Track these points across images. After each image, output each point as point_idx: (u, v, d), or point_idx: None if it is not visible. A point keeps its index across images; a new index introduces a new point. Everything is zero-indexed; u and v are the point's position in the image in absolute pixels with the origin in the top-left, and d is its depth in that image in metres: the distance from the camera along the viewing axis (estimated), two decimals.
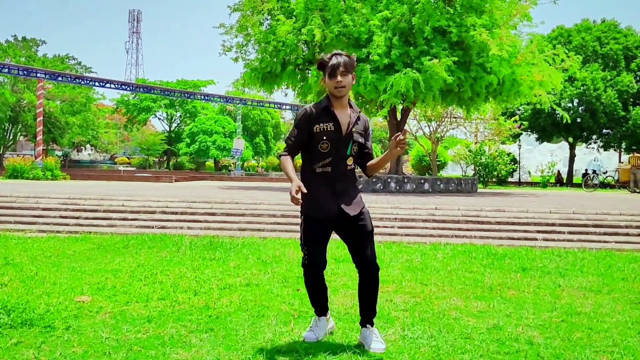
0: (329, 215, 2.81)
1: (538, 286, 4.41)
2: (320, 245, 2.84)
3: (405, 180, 14.39)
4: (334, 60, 2.76)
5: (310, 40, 13.35)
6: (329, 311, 3.00)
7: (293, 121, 3.05)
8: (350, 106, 2.88)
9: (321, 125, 2.79)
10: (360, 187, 3.01)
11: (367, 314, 2.88)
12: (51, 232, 7.20)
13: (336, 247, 6.15)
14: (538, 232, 7.48)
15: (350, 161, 2.86)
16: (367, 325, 2.87)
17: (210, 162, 49.86)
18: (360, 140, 2.86)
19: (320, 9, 13.49)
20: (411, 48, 13.08)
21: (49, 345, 2.72)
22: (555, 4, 14.88)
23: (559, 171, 33.04)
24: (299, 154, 2.92)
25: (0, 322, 3.03)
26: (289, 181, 2.76)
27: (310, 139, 2.82)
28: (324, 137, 2.78)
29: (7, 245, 5.98)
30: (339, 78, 2.75)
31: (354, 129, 2.83)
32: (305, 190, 2.69)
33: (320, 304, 2.93)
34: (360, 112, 2.92)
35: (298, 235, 6.87)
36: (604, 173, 26.06)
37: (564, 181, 32.69)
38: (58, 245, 6.03)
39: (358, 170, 3.02)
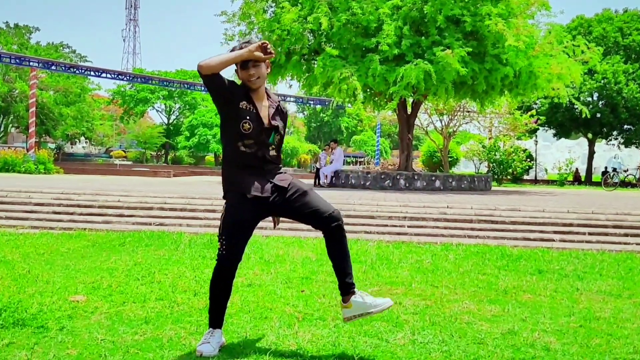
0: (264, 191, 2.68)
1: (555, 290, 4.27)
2: (241, 234, 2.67)
3: (416, 177, 14.15)
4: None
5: (316, 29, 13.05)
6: (223, 324, 2.79)
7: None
8: (269, 96, 2.81)
9: (245, 103, 2.69)
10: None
11: (344, 276, 2.74)
12: (44, 228, 7.06)
13: None
14: (555, 232, 7.28)
15: (272, 148, 2.77)
16: (353, 291, 2.73)
17: (210, 157, 49.15)
18: (282, 132, 2.81)
19: None
20: (423, 38, 12.73)
21: (42, 347, 2.65)
22: None
23: (577, 169, 32.40)
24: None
25: None
26: (232, 59, 2.62)
27: (234, 113, 2.68)
28: (247, 117, 2.68)
29: None
30: (252, 71, 2.67)
31: (274, 123, 2.76)
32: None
33: (221, 312, 2.75)
34: (279, 102, 2.85)
35: (302, 234, 6.76)
36: (624, 171, 25.49)
37: (583, 179, 32.04)
38: (51, 242, 5.92)
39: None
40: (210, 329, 2.74)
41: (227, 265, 2.69)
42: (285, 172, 2.86)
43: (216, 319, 2.75)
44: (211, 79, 2.60)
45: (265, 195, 2.69)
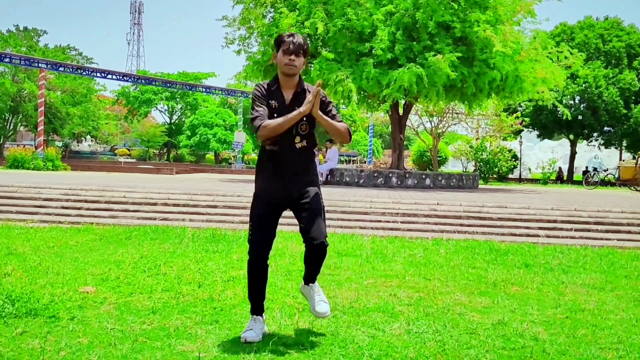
0: (275, 196, 2.82)
1: (541, 282, 4.41)
2: (268, 222, 2.83)
3: (407, 176, 14.38)
4: (294, 39, 2.76)
5: (313, 34, 13.27)
6: (264, 311, 2.91)
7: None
8: (300, 85, 2.84)
9: (271, 102, 2.79)
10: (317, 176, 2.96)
11: (311, 277, 2.95)
12: (53, 222, 7.18)
13: (338, 241, 6.16)
14: (540, 228, 7.48)
15: (298, 140, 2.79)
16: (310, 284, 2.94)
17: (210, 155, 49.74)
18: (304, 119, 2.78)
19: (323, 2, 13.42)
20: (415, 43, 13.03)
21: (54, 335, 2.71)
22: (559, 1, 14.82)
23: (559, 168, 33.01)
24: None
25: (5, 311, 3.03)
26: (291, 121, 2.71)
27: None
28: (274, 115, 2.75)
29: (9, 235, 5.97)
30: (293, 57, 2.75)
31: (296, 107, 2.76)
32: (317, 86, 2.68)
33: (259, 299, 2.87)
34: (306, 85, 2.86)
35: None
36: (604, 171, 26.04)
37: (565, 178, 32.67)
38: (60, 235, 6.02)
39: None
40: (253, 316, 2.87)
41: (255, 251, 2.85)
42: (309, 173, 2.86)
43: (256, 305, 2.87)
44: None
45: (278, 197, 2.83)
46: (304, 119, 2.78)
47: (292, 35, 2.80)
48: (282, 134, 2.76)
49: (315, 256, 2.84)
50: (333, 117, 2.85)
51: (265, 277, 2.89)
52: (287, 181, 2.82)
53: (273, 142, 2.79)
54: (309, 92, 2.81)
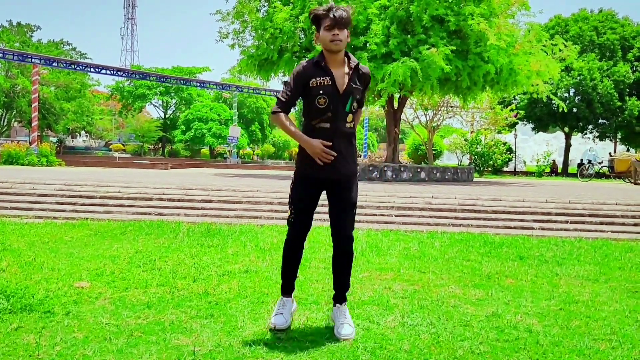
0: (321, 175, 2.75)
1: (535, 275, 4.44)
2: (309, 203, 2.80)
3: (402, 169, 14.41)
4: (335, 13, 2.63)
5: (307, 28, 13.24)
6: (294, 290, 2.94)
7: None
8: (349, 59, 2.74)
9: (318, 79, 2.67)
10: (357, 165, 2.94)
11: (341, 289, 2.90)
12: (48, 218, 7.15)
13: None
14: (534, 221, 7.51)
15: (349, 118, 2.73)
16: (337, 305, 2.89)
17: (205, 150, 49.69)
18: (358, 96, 2.74)
19: None
20: (409, 37, 13.01)
21: (50, 331, 2.71)
22: None
23: (554, 161, 33.16)
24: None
25: (0, 307, 3.02)
26: (293, 138, 2.71)
27: (307, 94, 2.70)
28: (321, 92, 2.66)
29: (3, 230, 5.94)
30: (336, 31, 2.63)
31: (353, 85, 2.70)
32: (328, 144, 2.65)
33: (291, 278, 2.89)
34: (358, 63, 2.77)
35: None
36: (599, 163, 26.18)
37: (559, 171, 32.83)
38: (55, 231, 5.99)
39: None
40: (282, 297, 2.87)
41: (297, 230, 2.82)
42: (354, 156, 2.82)
43: (287, 285, 2.89)
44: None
45: (324, 176, 2.75)
46: (358, 96, 2.72)
47: (329, 9, 2.65)
48: (337, 110, 2.68)
49: (344, 252, 2.84)
50: (357, 109, 2.79)
51: (300, 257, 2.89)
52: (335, 161, 2.71)
53: (324, 119, 2.69)
54: (362, 70, 2.76)
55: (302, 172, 2.80)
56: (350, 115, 2.75)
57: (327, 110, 2.69)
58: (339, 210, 2.80)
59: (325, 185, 2.81)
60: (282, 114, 2.72)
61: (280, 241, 5.53)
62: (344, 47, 2.70)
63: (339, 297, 2.91)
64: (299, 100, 2.81)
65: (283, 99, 2.72)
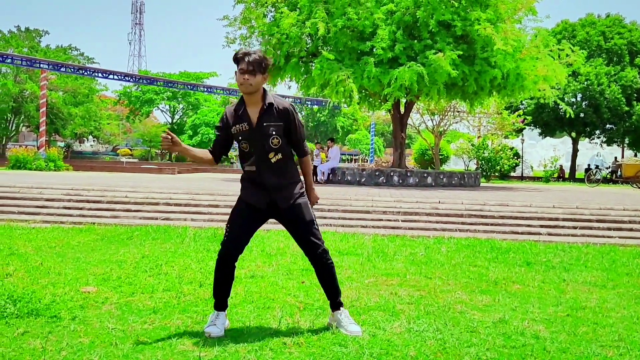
0: (259, 203, 2.89)
1: (543, 280, 4.41)
2: (243, 227, 2.90)
3: (408, 174, 14.38)
4: (249, 58, 2.76)
5: (314, 33, 13.29)
6: (227, 308, 2.99)
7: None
8: (265, 101, 2.83)
9: (237, 126, 2.85)
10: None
11: (333, 297, 2.98)
12: (55, 222, 7.20)
13: (340, 239, 6.17)
14: (542, 226, 7.46)
15: (272, 155, 2.85)
16: (336, 311, 2.97)
17: None
18: (274, 132, 2.82)
19: (324, 1, 13.44)
20: (415, 42, 13.03)
21: (56, 335, 2.72)
22: None
23: (561, 166, 32.93)
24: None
25: (7, 311, 3.04)
26: (192, 158, 3.00)
27: (233, 140, 2.92)
28: (240, 138, 2.84)
29: (11, 235, 5.99)
30: (247, 76, 2.76)
31: (264, 123, 2.80)
32: (170, 135, 2.84)
33: (222, 296, 2.94)
34: (272, 102, 2.84)
35: None
36: (606, 168, 25.98)
37: (567, 176, 32.60)
38: (62, 235, 6.04)
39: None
40: (215, 311, 2.93)
41: (225, 250, 2.91)
42: (294, 183, 2.92)
43: (219, 301, 2.95)
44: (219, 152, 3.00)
45: (260, 207, 2.91)
46: (274, 132, 2.82)
47: (247, 53, 2.80)
48: (256, 153, 2.85)
49: (321, 266, 2.93)
50: (298, 141, 2.94)
51: (232, 276, 2.97)
52: (272, 192, 2.89)
53: (250, 162, 2.89)
54: (277, 107, 2.84)
55: (241, 196, 2.96)
56: (273, 153, 2.85)
57: (250, 155, 2.87)
58: (299, 233, 2.93)
59: (268, 213, 2.95)
60: (206, 151, 3.00)
61: (287, 246, 5.56)
62: (257, 90, 2.81)
63: (335, 304, 3.00)
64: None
65: (215, 142, 2.96)
